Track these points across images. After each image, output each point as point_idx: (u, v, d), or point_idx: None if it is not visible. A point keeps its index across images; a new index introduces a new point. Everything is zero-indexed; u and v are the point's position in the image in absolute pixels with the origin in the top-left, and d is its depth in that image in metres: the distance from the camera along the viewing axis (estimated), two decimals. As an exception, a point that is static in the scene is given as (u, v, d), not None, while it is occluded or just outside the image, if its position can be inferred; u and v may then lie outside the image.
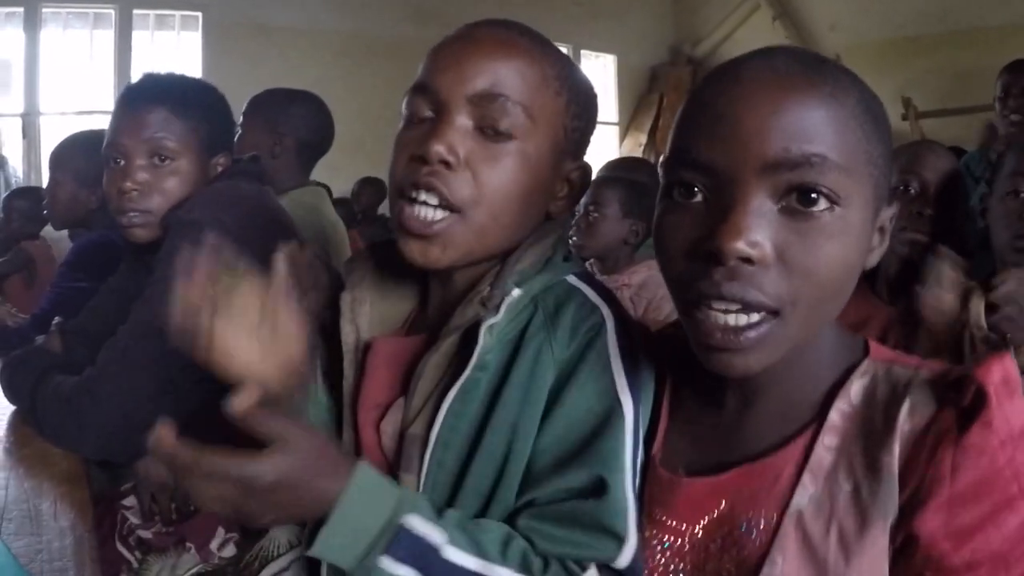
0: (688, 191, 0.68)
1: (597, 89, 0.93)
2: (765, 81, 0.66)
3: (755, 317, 0.65)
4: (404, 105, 0.85)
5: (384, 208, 5.44)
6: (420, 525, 0.72)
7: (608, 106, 7.65)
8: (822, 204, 0.64)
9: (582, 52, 7.38)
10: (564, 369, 0.80)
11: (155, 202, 1.34)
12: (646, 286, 2.15)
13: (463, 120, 0.81)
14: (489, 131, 0.81)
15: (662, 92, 7.85)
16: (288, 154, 2.19)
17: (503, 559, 0.74)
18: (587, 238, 2.25)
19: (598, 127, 0.94)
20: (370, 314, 0.91)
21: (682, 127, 0.71)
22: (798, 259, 0.65)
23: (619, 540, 0.74)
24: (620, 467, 0.76)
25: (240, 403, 0.68)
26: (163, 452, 0.69)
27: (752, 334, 0.65)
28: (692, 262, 0.67)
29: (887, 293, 1.75)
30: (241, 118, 2.18)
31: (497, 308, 0.80)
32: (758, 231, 0.64)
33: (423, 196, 0.80)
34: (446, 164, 0.79)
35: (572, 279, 0.86)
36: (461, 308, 0.83)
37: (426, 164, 0.79)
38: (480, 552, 0.73)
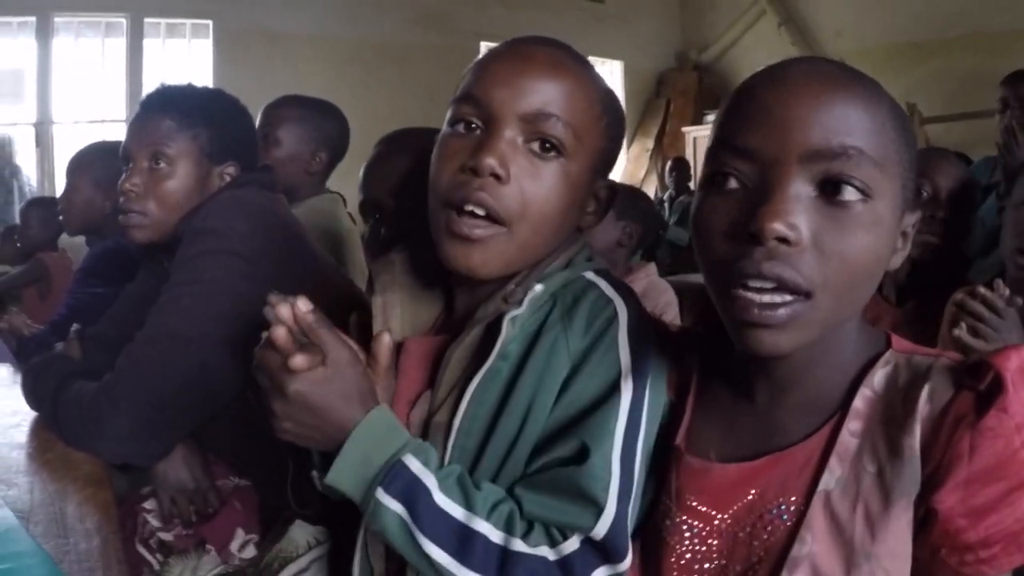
0: (728, 178, 0.72)
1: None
2: (810, 78, 0.70)
3: (788, 298, 0.68)
4: (449, 113, 0.88)
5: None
6: (416, 466, 0.78)
7: (615, 111, 7.65)
8: (855, 195, 0.68)
9: (589, 58, 7.37)
10: (577, 360, 0.83)
11: (150, 205, 1.37)
12: (647, 295, 2.15)
13: (513, 135, 0.84)
14: (537, 148, 0.84)
15: (668, 97, 7.87)
16: (319, 168, 2.24)
17: (487, 516, 0.78)
18: None
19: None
20: (401, 317, 0.95)
21: (727, 118, 0.74)
22: (831, 244, 0.68)
23: (596, 508, 0.77)
24: (606, 438, 0.79)
25: (301, 306, 0.77)
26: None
27: (785, 311, 0.68)
28: (732, 244, 0.70)
29: (895, 295, 1.78)
30: (266, 127, 2.19)
31: (520, 302, 0.84)
32: (796, 214, 0.67)
33: (470, 207, 0.83)
34: (496, 177, 0.82)
35: (590, 275, 0.90)
36: (485, 304, 0.87)
37: (476, 176, 0.82)
38: (468, 504, 0.78)
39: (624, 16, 7.49)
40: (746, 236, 0.68)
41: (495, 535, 0.77)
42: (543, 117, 0.84)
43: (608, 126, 0.90)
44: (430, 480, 0.78)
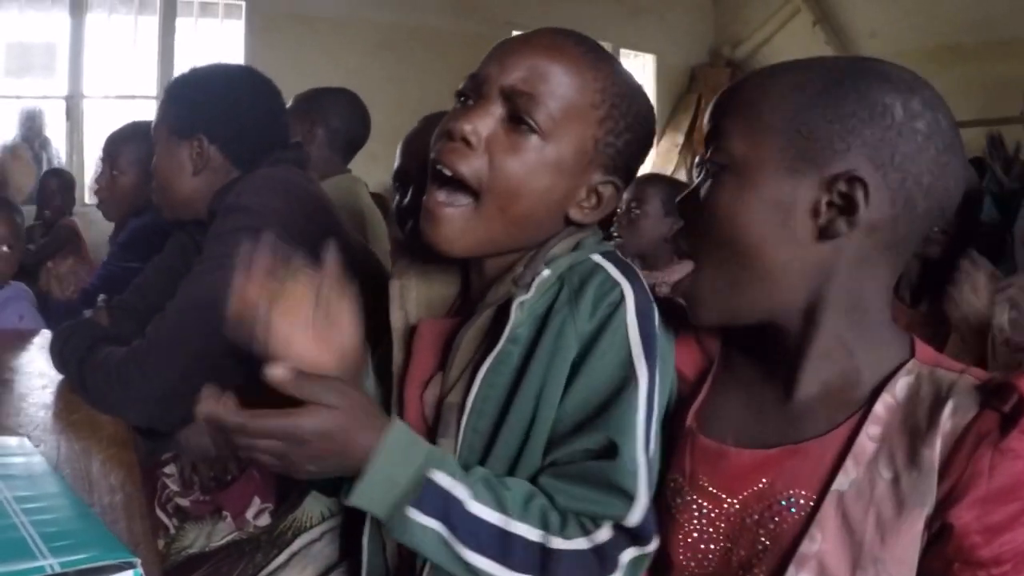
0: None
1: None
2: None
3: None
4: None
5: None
6: (445, 480, 0.79)
7: (644, 105, 7.61)
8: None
9: (621, 50, 7.35)
10: (585, 342, 0.84)
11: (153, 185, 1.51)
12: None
13: (495, 108, 0.86)
14: (515, 123, 0.85)
15: (700, 93, 7.81)
16: (319, 143, 2.27)
17: (523, 515, 0.79)
18: (629, 236, 2.27)
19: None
20: (416, 300, 0.97)
21: None
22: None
23: (629, 499, 0.79)
24: (631, 432, 0.81)
25: (277, 373, 0.73)
26: (213, 417, 0.75)
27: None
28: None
29: (909, 296, 1.79)
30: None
31: (528, 286, 0.85)
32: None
33: (439, 167, 0.86)
34: (466, 142, 0.84)
35: (596, 257, 0.90)
36: (495, 287, 0.89)
37: (450, 140, 0.85)
38: (502, 507, 0.79)
39: (658, 10, 7.43)
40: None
41: (533, 534, 0.79)
42: (518, 93, 0.85)
43: (607, 119, 0.88)
44: (461, 491, 0.79)
